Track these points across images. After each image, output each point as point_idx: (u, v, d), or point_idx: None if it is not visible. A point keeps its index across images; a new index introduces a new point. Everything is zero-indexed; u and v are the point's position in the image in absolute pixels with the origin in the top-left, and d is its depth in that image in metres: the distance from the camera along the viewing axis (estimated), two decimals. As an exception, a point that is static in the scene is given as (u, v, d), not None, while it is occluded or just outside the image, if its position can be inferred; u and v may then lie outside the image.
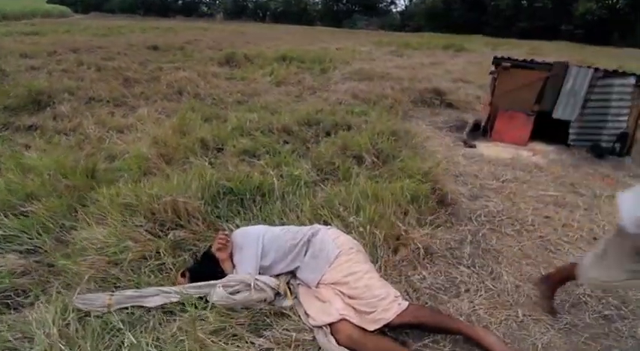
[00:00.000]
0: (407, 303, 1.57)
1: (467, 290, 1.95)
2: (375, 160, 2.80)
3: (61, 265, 1.66)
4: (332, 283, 1.65)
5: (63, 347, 1.29)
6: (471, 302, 1.86)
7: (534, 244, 2.35)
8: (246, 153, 2.91)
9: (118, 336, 1.39)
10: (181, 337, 1.38)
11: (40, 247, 1.82)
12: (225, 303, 1.52)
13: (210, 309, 1.52)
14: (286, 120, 3.56)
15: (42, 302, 1.49)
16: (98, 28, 15.49)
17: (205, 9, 43.42)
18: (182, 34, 14.61)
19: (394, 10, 36.19)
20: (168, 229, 1.89)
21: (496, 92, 4.18)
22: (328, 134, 3.41)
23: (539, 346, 1.63)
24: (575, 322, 1.77)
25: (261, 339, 1.45)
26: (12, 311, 1.55)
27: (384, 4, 35.66)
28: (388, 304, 1.53)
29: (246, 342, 1.43)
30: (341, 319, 1.50)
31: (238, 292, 1.57)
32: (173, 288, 1.58)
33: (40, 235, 1.85)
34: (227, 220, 2.12)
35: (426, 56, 10.92)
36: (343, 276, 1.63)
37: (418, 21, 29.24)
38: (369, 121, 3.60)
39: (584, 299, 1.90)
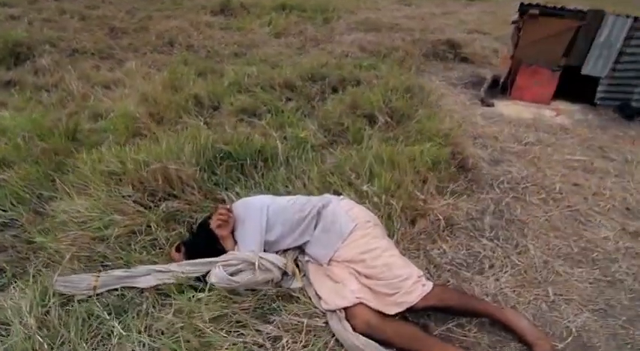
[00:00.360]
0: (431, 284, 1.39)
1: (491, 266, 1.78)
2: (389, 120, 2.51)
3: (39, 242, 1.46)
4: (346, 261, 1.46)
5: (42, 339, 1.13)
6: (497, 280, 1.70)
7: (562, 214, 2.15)
8: (245, 112, 2.61)
9: (105, 324, 1.22)
10: (178, 324, 1.22)
11: (16, 220, 1.61)
12: (227, 285, 1.35)
13: (210, 291, 1.35)
14: (288, 74, 3.20)
15: (18, 285, 1.30)
16: (80, -27, 14.23)
17: (197, -48, 39.89)
18: (172, -21, 13.40)
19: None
20: (159, 200, 1.67)
21: (520, 44, 3.76)
22: (335, 90, 3.09)
23: (573, 329, 1.48)
24: (611, 303, 1.61)
25: (269, 326, 1.28)
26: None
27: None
28: (411, 285, 1.36)
29: (252, 329, 1.27)
30: (357, 303, 1.34)
31: (240, 272, 1.39)
32: (167, 266, 1.39)
33: (15, 206, 1.63)
34: (226, 188, 1.90)
35: (436, 6, 10.05)
36: (359, 253, 1.44)
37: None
38: (380, 75, 3.25)
39: (619, 277, 1.74)
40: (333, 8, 7.86)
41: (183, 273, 1.37)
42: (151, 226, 1.55)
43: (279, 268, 1.44)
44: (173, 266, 1.39)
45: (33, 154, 1.86)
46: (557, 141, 3.01)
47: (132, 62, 4.06)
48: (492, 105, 3.70)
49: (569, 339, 1.44)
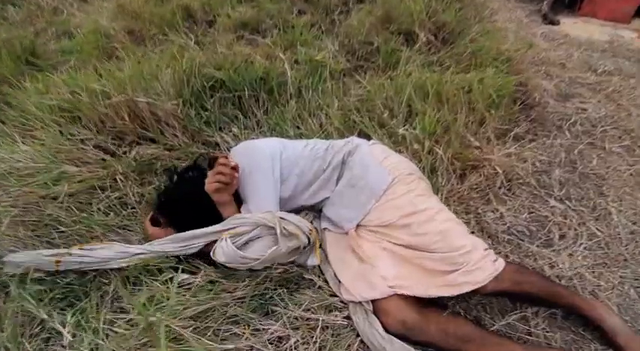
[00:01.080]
0: (503, 261, 1.01)
1: (562, 236, 1.37)
2: (433, 38, 1.92)
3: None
4: (381, 227, 1.07)
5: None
6: (570, 255, 1.30)
7: (654, 167, 1.66)
8: (246, 27, 2.04)
9: (50, 323, 0.90)
10: (151, 317, 0.89)
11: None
12: (241, 265, 0.98)
13: (194, 274, 1.00)
14: (302, -20, 2.51)
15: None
16: None
17: None
18: None
19: None
20: (129, 145, 1.26)
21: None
22: (361, 1, 2.42)
23: (675, 329, 1.11)
24: None
25: (273, 324, 0.94)
26: None
27: None
28: (478, 260, 0.98)
29: (247, 326, 0.94)
30: (391, 295, 0.98)
31: (251, 241, 1.01)
32: (148, 246, 1.02)
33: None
34: (220, 129, 1.46)
35: None
36: (401, 216, 1.04)
37: None
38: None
39: None
40: None
41: (171, 253, 1.01)
42: (117, 180, 1.16)
43: (305, 234, 1.05)
44: (156, 245, 1.02)
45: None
46: (642, 71, 2.36)
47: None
48: (558, 23, 2.97)
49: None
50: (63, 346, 0.84)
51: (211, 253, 0.99)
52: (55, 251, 0.98)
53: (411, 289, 0.98)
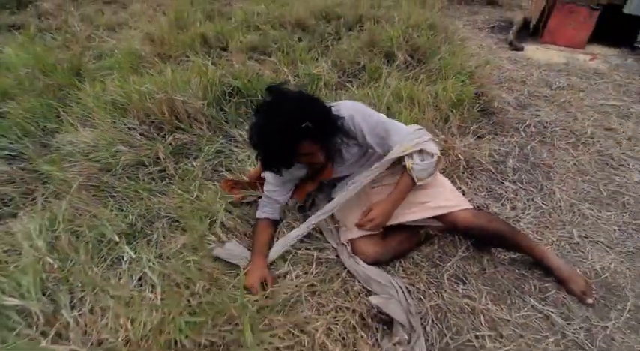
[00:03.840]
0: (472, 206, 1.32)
1: (513, 208, 1.69)
2: (409, 58, 2.33)
3: (46, 172, 1.42)
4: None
5: (52, 261, 1.12)
6: (518, 221, 1.62)
7: (592, 158, 2.01)
8: (255, 50, 2.46)
9: (115, 250, 1.20)
10: (187, 258, 1.19)
11: (22, 153, 1.58)
12: None
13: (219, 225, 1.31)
14: (300, 13, 2.98)
15: (27, 213, 1.29)
16: None
17: None
18: None
19: None
20: (166, 133, 1.60)
21: (557, -20, 3.39)
22: (351, 29, 2.87)
23: (598, 268, 1.41)
24: (639, 246, 1.53)
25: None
26: (-1, 221, 1.37)
27: None
28: (451, 195, 1.30)
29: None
30: (360, 236, 1.28)
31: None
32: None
33: (21, 139, 1.59)
34: (236, 126, 1.81)
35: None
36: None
37: None
38: (400, 14, 2.99)
39: (652, 221, 1.63)
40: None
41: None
42: (159, 158, 1.49)
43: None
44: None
45: (36, 88, 1.79)
46: (590, 85, 2.78)
47: (137, 5, 3.85)
48: (521, 49, 3.42)
49: (593, 279, 1.38)
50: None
51: None
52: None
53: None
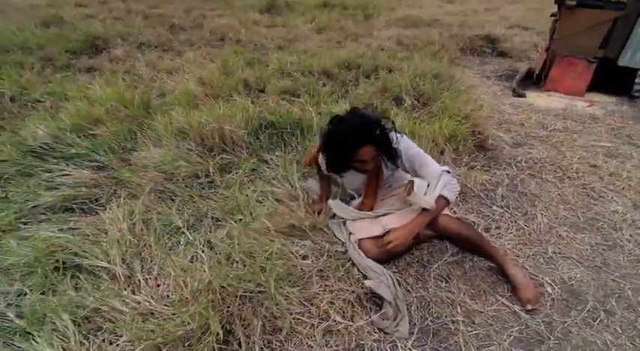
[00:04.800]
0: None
1: (497, 227, 1.98)
2: (415, 102, 2.75)
3: (126, 178, 1.89)
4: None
5: (131, 238, 1.53)
6: (500, 237, 1.90)
7: (576, 190, 2.28)
8: (287, 92, 2.97)
9: (176, 236, 1.61)
10: (228, 241, 1.57)
11: (107, 165, 2.07)
12: None
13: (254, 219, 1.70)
14: (326, 63, 3.53)
15: (112, 207, 1.73)
16: (143, -23, 15.60)
17: (246, -44, 41.71)
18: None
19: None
20: (215, 154, 2.06)
21: (555, 36, 3.81)
22: (368, 77, 3.36)
23: (565, 278, 1.66)
24: (607, 262, 1.76)
25: (298, 248, 1.60)
26: (87, 215, 1.82)
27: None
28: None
29: (287, 247, 1.59)
30: (363, 238, 1.62)
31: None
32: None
33: (107, 153, 2.09)
34: (268, 151, 2.25)
35: (480, 2, 9.98)
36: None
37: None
38: (412, 65, 3.48)
39: (620, 243, 1.87)
40: (374, 6, 8.12)
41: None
42: (209, 172, 1.93)
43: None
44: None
45: (119, 117, 2.33)
46: (584, 128, 3.08)
47: (190, 54, 4.58)
48: (524, 96, 3.78)
49: (559, 285, 1.63)
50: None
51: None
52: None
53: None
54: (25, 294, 1.35)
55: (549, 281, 1.65)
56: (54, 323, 1.23)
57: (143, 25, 6.07)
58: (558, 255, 1.81)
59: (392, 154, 1.51)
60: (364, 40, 5.37)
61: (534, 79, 4.13)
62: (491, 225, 2.00)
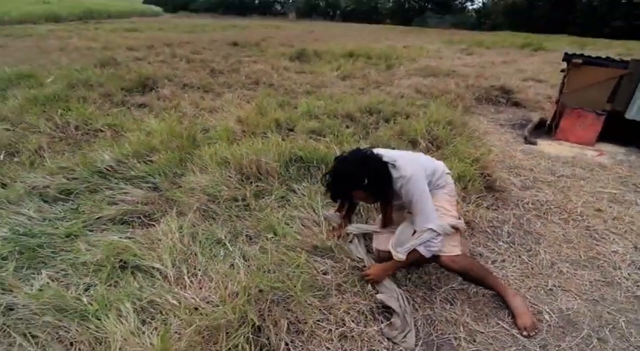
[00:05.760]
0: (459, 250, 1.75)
1: (502, 260, 2.16)
2: (430, 145, 3.05)
3: (176, 197, 2.23)
4: None
5: (180, 246, 1.82)
6: (504, 269, 2.08)
7: (579, 232, 2.44)
8: (314, 132, 3.34)
9: (217, 247, 1.89)
10: (260, 255, 1.84)
11: (160, 186, 2.42)
12: None
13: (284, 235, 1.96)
14: (350, 108, 3.93)
15: (164, 221, 2.05)
16: (186, 26, 17.38)
17: (279, 8, 45.47)
18: (257, 31, 15.77)
19: (470, 7, 34.63)
20: (251, 181, 2.38)
21: (564, 90, 4.12)
22: (387, 121, 3.72)
23: (563, 308, 1.81)
24: (605, 297, 1.90)
25: (320, 263, 1.85)
26: (142, 227, 2.14)
27: (459, 1, 34.25)
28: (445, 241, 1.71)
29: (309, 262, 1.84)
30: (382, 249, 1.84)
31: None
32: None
33: (161, 176, 2.46)
34: (296, 182, 2.56)
35: (499, 55, 10.54)
36: None
37: (495, 19, 27.67)
38: (428, 112, 3.83)
39: (619, 280, 2.01)
40: (397, 56, 8.76)
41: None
42: (246, 197, 2.25)
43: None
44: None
45: (171, 147, 2.74)
46: (592, 176, 3.26)
47: (228, 95, 5.14)
48: (535, 143, 4.02)
49: (557, 314, 1.78)
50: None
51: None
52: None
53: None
54: (96, 285, 1.64)
55: (548, 310, 1.80)
56: (119, 309, 1.50)
57: (186, 68, 6.81)
58: (558, 288, 1.96)
59: (383, 197, 1.70)
60: (385, 87, 5.83)
61: (546, 129, 4.38)
62: (496, 258, 2.18)
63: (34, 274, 1.72)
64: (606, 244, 2.31)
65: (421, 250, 1.64)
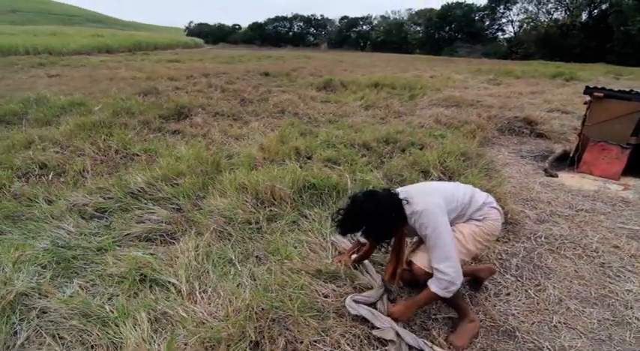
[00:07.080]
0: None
1: (507, 294, 2.15)
2: (442, 175, 3.12)
3: (196, 219, 2.43)
4: None
5: (195, 264, 2.00)
6: (508, 303, 2.07)
7: (593, 268, 2.38)
8: (330, 160, 3.51)
9: (228, 266, 2.05)
10: (267, 276, 1.97)
11: (182, 208, 2.65)
12: None
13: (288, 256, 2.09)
14: (367, 137, 4.09)
15: (184, 240, 2.25)
16: (224, 57, 18.63)
17: (312, 39, 47.60)
18: (290, 62, 16.59)
19: (501, 36, 34.57)
20: (266, 206, 2.56)
21: (587, 122, 4.07)
22: (403, 151, 3.83)
23: (566, 346, 1.78)
24: (612, 337, 1.85)
25: (322, 287, 1.95)
26: (163, 245, 2.35)
27: (490, 31, 34.34)
28: None
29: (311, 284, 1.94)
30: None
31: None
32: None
33: (184, 198, 2.69)
34: (308, 207, 2.71)
35: (528, 85, 10.43)
36: None
37: (528, 48, 27.40)
38: (444, 142, 3.90)
39: (629, 320, 1.95)
40: (421, 86, 8.91)
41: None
42: (259, 220, 2.42)
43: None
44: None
45: (196, 172, 2.99)
46: (613, 211, 3.16)
47: (254, 123, 5.47)
48: (556, 176, 3.96)
49: (559, 351, 1.75)
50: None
51: None
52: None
53: None
54: (118, 295, 1.83)
55: (549, 346, 1.78)
56: (135, 318, 1.67)
57: (220, 98, 7.30)
58: (563, 325, 1.93)
59: (385, 238, 1.74)
60: (407, 117, 5.97)
61: (569, 161, 4.30)
62: (501, 291, 2.18)
63: (67, 282, 1.94)
64: (620, 282, 2.25)
65: (440, 293, 1.63)
